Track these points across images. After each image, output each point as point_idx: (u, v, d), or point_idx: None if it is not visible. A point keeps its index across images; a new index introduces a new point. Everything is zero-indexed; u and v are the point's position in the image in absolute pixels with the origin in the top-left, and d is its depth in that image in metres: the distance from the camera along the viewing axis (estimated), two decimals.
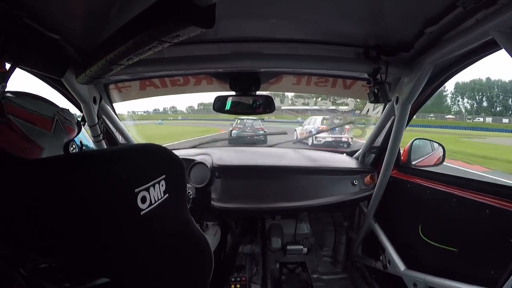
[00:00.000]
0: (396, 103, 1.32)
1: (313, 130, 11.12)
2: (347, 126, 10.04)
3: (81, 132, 0.85)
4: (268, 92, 1.65)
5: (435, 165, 1.63)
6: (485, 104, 56.86)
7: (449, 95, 59.45)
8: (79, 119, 1.26)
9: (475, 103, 57.96)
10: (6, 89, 0.85)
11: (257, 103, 1.48)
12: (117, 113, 1.64)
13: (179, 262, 0.61)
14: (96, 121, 1.41)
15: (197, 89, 1.65)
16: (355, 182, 1.69)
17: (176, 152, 0.73)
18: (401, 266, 1.44)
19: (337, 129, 10.94)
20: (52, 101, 0.74)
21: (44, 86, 1.27)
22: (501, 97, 55.53)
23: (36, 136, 0.65)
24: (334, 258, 2.09)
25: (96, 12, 0.85)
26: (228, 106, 1.49)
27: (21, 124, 0.63)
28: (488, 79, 57.20)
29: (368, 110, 1.97)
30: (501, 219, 0.97)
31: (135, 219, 0.48)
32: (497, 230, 0.99)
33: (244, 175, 1.66)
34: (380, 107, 1.67)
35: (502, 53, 0.93)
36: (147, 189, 0.50)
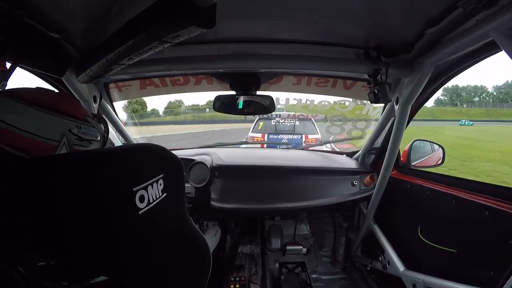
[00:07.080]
0: (396, 104, 1.32)
1: None
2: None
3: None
4: None
5: (435, 165, 1.63)
6: None
7: None
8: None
9: None
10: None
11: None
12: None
13: (177, 261, 0.61)
14: None
15: (197, 88, 1.65)
16: (355, 182, 1.69)
17: (176, 152, 0.74)
18: (401, 266, 1.44)
19: None
20: (78, 108, 0.53)
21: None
22: None
23: None
24: (333, 258, 2.09)
25: (97, 11, 0.84)
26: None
27: None
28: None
29: None
30: (500, 220, 0.97)
31: (133, 218, 0.48)
32: (496, 231, 0.98)
33: (243, 175, 1.66)
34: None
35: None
36: (145, 188, 0.50)
